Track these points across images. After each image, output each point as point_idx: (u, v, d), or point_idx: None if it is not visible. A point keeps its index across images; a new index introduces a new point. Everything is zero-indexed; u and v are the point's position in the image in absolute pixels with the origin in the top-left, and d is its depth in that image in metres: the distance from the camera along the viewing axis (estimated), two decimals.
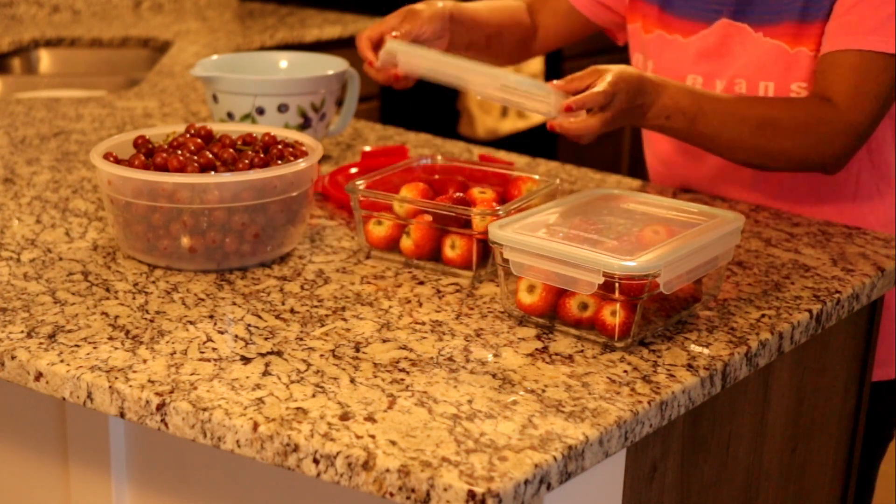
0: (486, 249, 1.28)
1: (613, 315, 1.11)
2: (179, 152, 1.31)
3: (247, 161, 1.31)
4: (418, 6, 1.52)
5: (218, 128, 1.42)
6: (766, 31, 1.50)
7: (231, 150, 1.33)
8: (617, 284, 1.10)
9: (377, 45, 1.49)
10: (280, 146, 1.37)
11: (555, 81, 1.32)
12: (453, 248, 1.29)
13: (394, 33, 1.47)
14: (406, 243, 1.31)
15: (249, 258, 1.30)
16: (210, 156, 1.31)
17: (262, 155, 1.34)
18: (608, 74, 1.31)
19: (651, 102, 1.37)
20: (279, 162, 1.33)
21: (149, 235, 1.28)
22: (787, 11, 1.48)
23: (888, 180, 1.56)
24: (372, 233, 1.33)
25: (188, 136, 1.37)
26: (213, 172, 1.29)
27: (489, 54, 1.66)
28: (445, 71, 1.38)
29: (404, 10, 1.50)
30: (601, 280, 1.10)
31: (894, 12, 1.40)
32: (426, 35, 1.50)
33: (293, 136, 1.41)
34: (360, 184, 1.34)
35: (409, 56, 1.42)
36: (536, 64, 3.67)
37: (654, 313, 1.16)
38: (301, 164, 1.29)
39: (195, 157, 1.30)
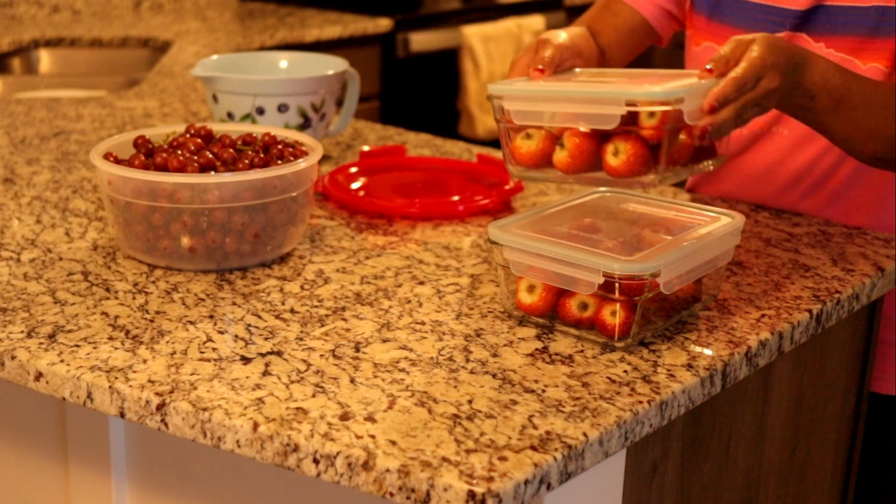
0: (656, 152, 1.12)
1: (613, 315, 1.11)
2: (179, 152, 1.31)
3: (247, 161, 1.31)
4: (547, 34, 1.35)
5: (218, 128, 1.42)
6: (830, 43, 1.43)
7: (231, 150, 1.33)
8: (617, 284, 1.10)
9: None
10: (280, 146, 1.37)
11: (706, 66, 1.18)
12: (616, 154, 1.12)
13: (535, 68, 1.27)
14: (560, 156, 1.15)
15: (249, 258, 1.30)
16: (210, 156, 1.31)
17: (262, 155, 1.34)
18: (754, 46, 1.17)
19: (799, 80, 1.23)
20: (279, 162, 1.33)
21: (149, 235, 1.28)
22: (857, 24, 1.41)
23: None
24: (520, 149, 1.17)
25: (188, 136, 1.37)
26: (213, 172, 1.29)
27: None
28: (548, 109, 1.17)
29: (535, 42, 1.33)
30: (601, 280, 1.10)
31: None
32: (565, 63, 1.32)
33: (293, 136, 1.41)
34: (508, 89, 1.17)
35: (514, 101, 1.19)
36: None
37: (654, 313, 1.16)
38: (301, 164, 1.29)
39: (195, 157, 1.30)
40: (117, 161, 1.30)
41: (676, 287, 1.14)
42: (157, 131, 1.40)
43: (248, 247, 1.29)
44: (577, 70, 1.31)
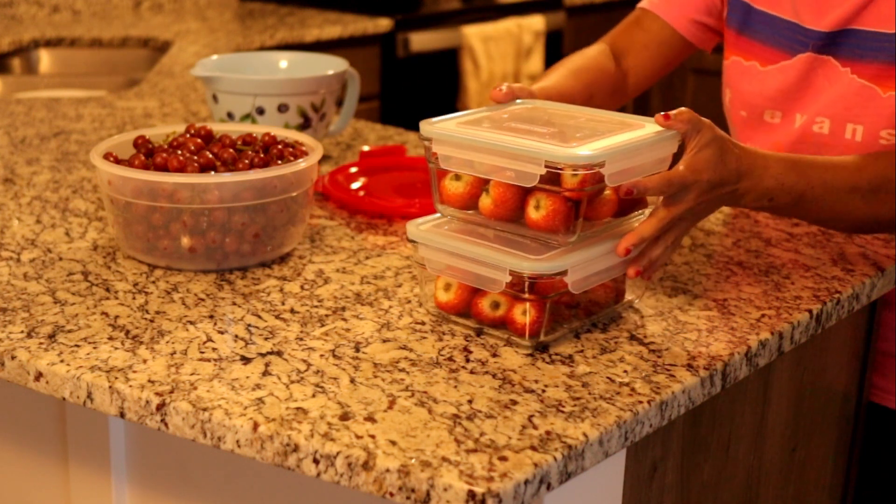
0: (577, 211, 1.11)
1: (524, 314, 1.11)
2: (179, 152, 1.31)
3: (247, 161, 1.31)
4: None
5: (218, 128, 1.42)
6: (855, 69, 1.42)
7: (231, 150, 1.33)
8: (526, 283, 1.09)
9: None
10: (280, 146, 1.37)
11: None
12: (538, 208, 1.11)
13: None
14: (485, 202, 1.14)
15: (249, 258, 1.30)
16: (210, 156, 1.31)
17: (262, 155, 1.34)
18: (686, 155, 1.16)
19: (752, 187, 1.21)
20: (279, 162, 1.33)
21: (149, 235, 1.28)
22: (882, 51, 1.39)
23: None
24: (447, 189, 1.17)
25: (188, 136, 1.37)
26: (213, 172, 1.29)
27: None
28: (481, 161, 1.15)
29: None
30: (508, 278, 1.10)
31: None
32: None
33: (293, 136, 1.41)
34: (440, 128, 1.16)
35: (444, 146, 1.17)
36: (536, 63, 3.67)
37: (570, 312, 1.15)
38: (301, 164, 1.29)
39: (195, 157, 1.30)
40: (117, 161, 1.30)
41: (587, 287, 1.13)
42: (157, 131, 1.40)
43: (248, 247, 1.29)
44: (518, 102, 1.27)
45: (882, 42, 1.40)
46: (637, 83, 1.61)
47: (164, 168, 1.29)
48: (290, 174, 1.29)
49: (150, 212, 1.26)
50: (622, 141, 1.12)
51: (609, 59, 1.57)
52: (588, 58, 1.55)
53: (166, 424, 1.00)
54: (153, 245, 1.28)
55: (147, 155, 1.33)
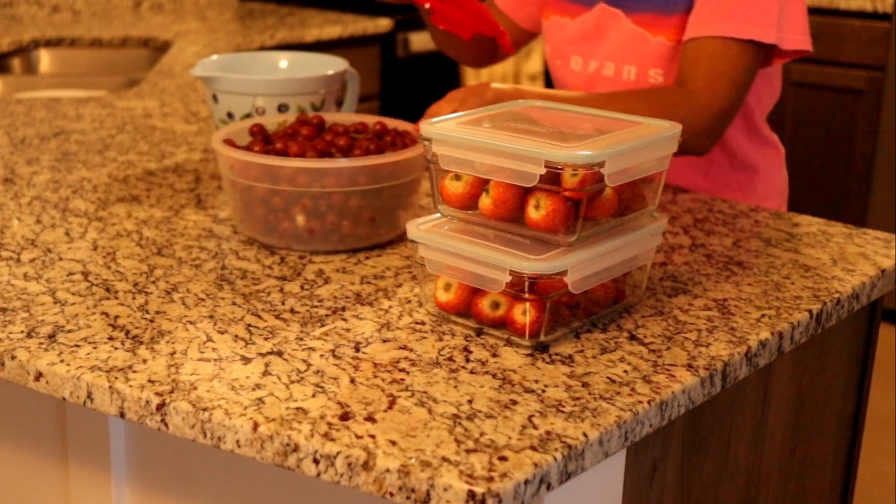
0: (577, 210, 1.11)
1: (524, 314, 1.11)
2: (298, 139, 1.38)
3: (363, 148, 1.36)
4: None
5: (329, 117, 1.49)
6: (634, 18, 1.61)
7: (346, 137, 1.38)
8: (526, 283, 1.10)
9: None
10: (392, 134, 1.43)
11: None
12: (538, 208, 1.11)
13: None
14: (485, 202, 1.15)
15: (365, 240, 1.35)
16: (325, 142, 1.37)
17: (376, 141, 1.39)
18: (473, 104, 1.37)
19: None
20: (393, 149, 1.39)
21: (269, 218, 1.33)
22: (651, 2, 1.59)
23: (735, 157, 1.69)
24: (447, 189, 1.17)
25: (301, 124, 1.44)
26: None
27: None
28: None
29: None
30: (508, 278, 1.10)
31: None
32: None
33: (402, 125, 1.47)
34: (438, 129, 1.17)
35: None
36: (536, 64, 3.67)
37: (570, 312, 1.15)
38: (414, 152, 1.34)
39: (313, 143, 1.36)
40: (236, 147, 1.37)
41: (586, 287, 1.13)
42: (268, 120, 1.47)
43: (363, 230, 1.34)
44: (521, 102, 1.31)
45: None
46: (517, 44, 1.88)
47: (283, 153, 1.34)
48: (404, 160, 1.33)
49: (271, 195, 1.31)
50: (622, 141, 1.12)
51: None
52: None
53: (166, 424, 1.00)
54: (273, 227, 1.33)
55: (265, 141, 1.39)
